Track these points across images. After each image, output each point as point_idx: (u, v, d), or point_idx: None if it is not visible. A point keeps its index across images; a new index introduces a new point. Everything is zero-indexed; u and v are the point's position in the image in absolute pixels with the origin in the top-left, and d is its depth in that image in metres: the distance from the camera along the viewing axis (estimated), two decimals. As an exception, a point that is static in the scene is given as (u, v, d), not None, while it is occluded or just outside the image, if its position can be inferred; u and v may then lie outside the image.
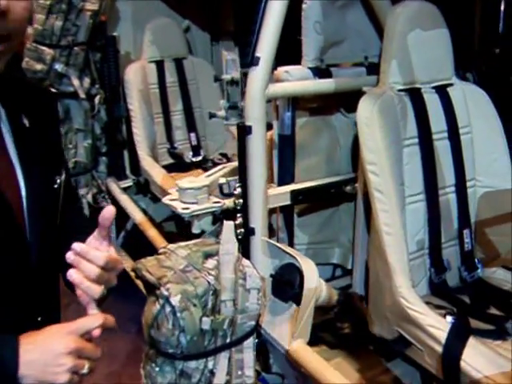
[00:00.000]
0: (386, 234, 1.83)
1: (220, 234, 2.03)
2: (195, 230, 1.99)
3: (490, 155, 2.12)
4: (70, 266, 0.99)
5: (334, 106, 2.21)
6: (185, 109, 3.52)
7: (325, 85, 2.05)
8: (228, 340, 1.74)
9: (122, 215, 3.42)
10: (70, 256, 0.98)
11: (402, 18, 1.92)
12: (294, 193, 2.05)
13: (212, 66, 3.66)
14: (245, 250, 1.98)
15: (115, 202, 3.39)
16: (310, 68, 2.10)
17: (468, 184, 2.11)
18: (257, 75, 1.85)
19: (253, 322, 1.85)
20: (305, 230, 2.25)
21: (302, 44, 2.10)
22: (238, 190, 1.96)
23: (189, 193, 1.95)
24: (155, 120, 3.43)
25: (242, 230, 1.99)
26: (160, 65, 3.44)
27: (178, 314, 1.72)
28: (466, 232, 2.10)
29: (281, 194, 2.05)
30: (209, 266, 1.86)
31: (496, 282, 2.05)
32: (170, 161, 3.44)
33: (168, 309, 1.74)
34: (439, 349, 1.65)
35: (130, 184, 3.44)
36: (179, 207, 1.95)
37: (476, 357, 1.59)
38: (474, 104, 2.11)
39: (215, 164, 3.21)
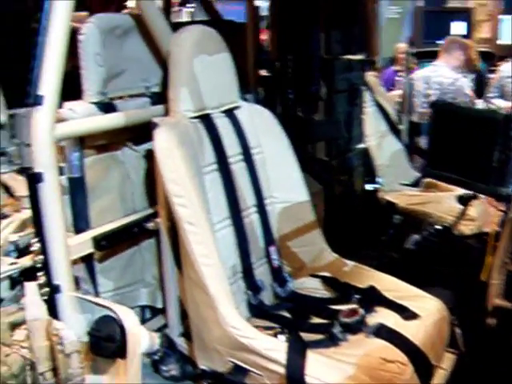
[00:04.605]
0: (204, 266, 1.78)
1: (21, 298, 1.79)
2: (-10, 301, 1.70)
3: (283, 171, 2.21)
4: None
5: (120, 141, 2.09)
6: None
7: (114, 119, 1.93)
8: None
9: None
10: None
11: (187, 43, 1.90)
12: (96, 239, 1.88)
13: None
14: (53, 310, 1.76)
15: None
16: (93, 103, 1.95)
17: (266, 202, 2.17)
18: (41, 116, 1.65)
19: (78, 389, 1.67)
20: (108, 276, 2.07)
21: (82, 78, 1.94)
22: (37, 246, 1.73)
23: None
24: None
25: (47, 288, 1.76)
26: None
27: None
28: (271, 249, 2.16)
29: (82, 242, 1.86)
30: (19, 338, 1.63)
31: (307, 291, 2.13)
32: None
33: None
34: (281, 369, 1.66)
35: None
36: None
37: (318, 368, 1.63)
38: (261, 123, 2.18)
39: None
